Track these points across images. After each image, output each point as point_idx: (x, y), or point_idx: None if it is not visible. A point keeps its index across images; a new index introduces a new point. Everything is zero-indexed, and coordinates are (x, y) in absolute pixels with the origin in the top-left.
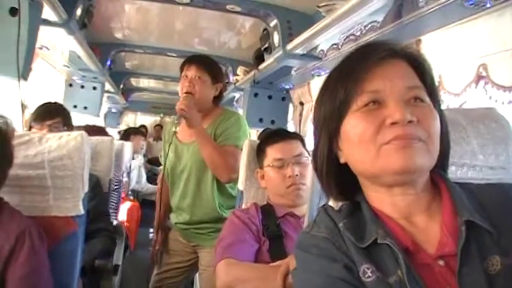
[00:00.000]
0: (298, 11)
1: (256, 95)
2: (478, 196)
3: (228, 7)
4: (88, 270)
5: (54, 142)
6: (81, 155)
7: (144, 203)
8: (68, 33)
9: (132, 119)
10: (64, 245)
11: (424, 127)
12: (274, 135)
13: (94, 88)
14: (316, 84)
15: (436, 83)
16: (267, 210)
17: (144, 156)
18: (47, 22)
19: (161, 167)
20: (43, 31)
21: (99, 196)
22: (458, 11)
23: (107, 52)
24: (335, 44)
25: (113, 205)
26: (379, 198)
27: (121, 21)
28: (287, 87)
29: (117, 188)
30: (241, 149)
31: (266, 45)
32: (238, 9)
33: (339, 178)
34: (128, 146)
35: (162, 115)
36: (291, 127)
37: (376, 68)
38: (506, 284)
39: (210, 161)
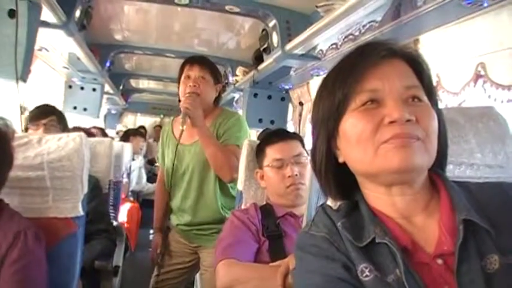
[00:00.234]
0: (297, 11)
1: (255, 95)
2: (477, 195)
3: (227, 8)
4: (88, 271)
5: (53, 143)
6: (80, 156)
7: (145, 203)
8: (67, 35)
9: (132, 120)
10: (63, 246)
11: (422, 126)
12: (274, 135)
13: (94, 89)
14: (316, 84)
15: (435, 82)
16: (266, 210)
17: (145, 157)
18: (45, 24)
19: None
20: (42, 33)
21: (99, 197)
22: (456, 10)
23: (106, 53)
24: (334, 43)
25: (112, 206)
26: (378, 198)
27: (120, 23)
28: (286, 87)
29: (117, 189)
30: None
31: (265, 46)
32: (237, 9)
33: (337, 177)
34: (127, 147)
35: (161, 116)
36: (290, 127)
37: (374, 68)
38: (504, 282)
39: (213, 160)
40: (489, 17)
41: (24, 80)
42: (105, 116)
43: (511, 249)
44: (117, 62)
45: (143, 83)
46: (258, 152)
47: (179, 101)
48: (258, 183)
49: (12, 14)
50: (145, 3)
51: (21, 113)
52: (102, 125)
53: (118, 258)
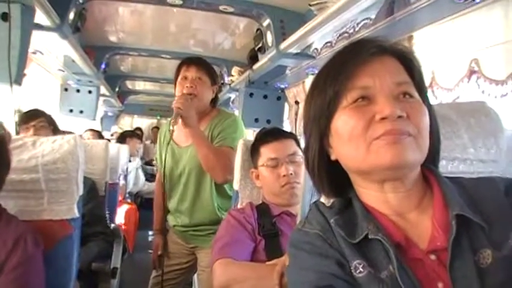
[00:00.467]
0: (290, 10)
1: (251, 95)
2: (469, 190)
3: (221, 8)
4: (85, 273)
5: (47, 146)
6: (74, 158)
7: (146, 204)
8: (61, 38)
9: (129, 122)
10: (60, 248)
11: (413, 122)
12: (268, 134)
13: (89, 92)
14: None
15: (429, 79)
16: (262, 209)
17: (142, 158)
18: (39, 27)
19: (155, 167)
20: (36, 36)
21: (95, 199)
22: (449, 7)
23: (101, 55)
24: (328, 42)
25: (109, 208)
26: (370, 195)
27: (115, 24)
28: (282, 86)
29: (114, 191)
30: None
31: (260, 45)
32: (231, 9)
33: (330, 175)
34: (123, 149)
35: (158, 117)
36: (287, 126)
37: (365, 65)
38: (497, 277)
39: (205, 161)
40: (482, 12)
41: (19, 84)
42: (102, 118)
43: (504, 243)
44: (113, 63)
45: (139, 85)
46: (253, 151)
47: None
48: (254, 182)
49: (5, 17)
50: (140, 4)
51: (19, 116)
52: (98, 128)
53: (116, 260)
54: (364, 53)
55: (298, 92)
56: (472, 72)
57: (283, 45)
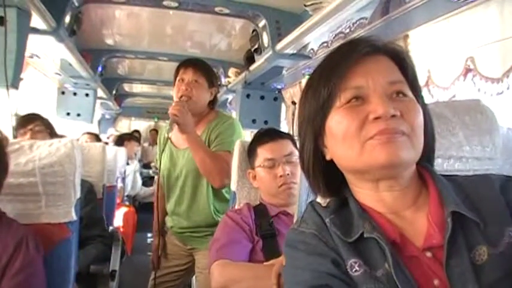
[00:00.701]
0: (286, 11)
1: (248, 96)
2: (465, 187)
3: (217, 9)
4: (83, 276)
5: (44, 149)
6: (72, 161)
7: (142, 207)
8: (58, 41)
9: (126, 125)
10: (58, 251)
11: (407, 121)
12: (265, 135)
13: (86, 95)
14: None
15: (425, 78)
16: (259, 210)
17: (140, 161)
18: (35, 30)
19: (151, 170)
20: (33, 39)
21: (93, 202)
22: (444, 5)
23: (98, 58)
24: (325, 42)
25: (107, 211)
26: (366, 194)
27: (111, 27)
28: (279, 87)
29: (112, 194)
30: None
31: (256, 46)
32: (226, 11)
33: (325, 175)
34: (121, 152)
35: (156, 119)
36: (284, 127)
37: (358, 65)
38: (493, 273)
39: (202, 166)
40: (477, 10)
41: (16, 88)
42: (99, 121)
43: (500, 240)
44: (110, 66)
45: (136, 87)
46: (250, 152)
47: None
48: (251, 183)
49: (1, 21)
50: (136, 7)
51: (16, 120)
52: (96, 131)
53: (114, 263)
54: (357, 53)
55: (295, 92)
56: (467, 70)
57: (279, 46)
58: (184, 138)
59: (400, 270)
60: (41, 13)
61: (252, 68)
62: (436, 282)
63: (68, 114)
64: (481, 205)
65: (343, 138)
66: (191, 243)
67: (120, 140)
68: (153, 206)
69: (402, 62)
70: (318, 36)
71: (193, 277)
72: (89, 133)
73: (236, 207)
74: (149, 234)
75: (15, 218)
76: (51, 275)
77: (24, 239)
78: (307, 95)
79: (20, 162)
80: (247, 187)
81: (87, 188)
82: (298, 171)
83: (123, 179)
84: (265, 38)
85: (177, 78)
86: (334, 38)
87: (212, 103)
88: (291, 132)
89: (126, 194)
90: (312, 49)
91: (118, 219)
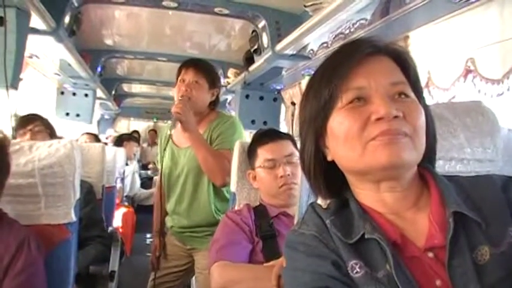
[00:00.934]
0: (286, 11)
1: (247, 96)
2: (466, 188)
3: (216, 10)
4: (83, 276)
5: (44, 150)
6: (71, 162)
7: (140, 209)
8: (57, 41)
9: (126, 125)
10: (57, 252)
11: (409, 122)
12: (265, 136)
13: (86, 95)
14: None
15: (425, 79)
16: (259, 211)
17: (139, 161)
18: (35, 31)
19: (150, 171)
20: (32, 40)
21: (92, 203)
22: (444, 6)
23: (97, 59)
24: (324, 43)
25: (106, 211)
26: (367, 195)
27: (110, 28)
28: (278, 87)
29: (111, 195)
30: None
31: (255, 47)
32: (226, 11)
33: (326, 176)
34: (120, 152)
35: (155, 120)
36: (283, 127)
37: (360, 65)
38: (495, 273)
39: (204, 164)
40: (478, 11)
41: (15, 88)
42: (98, 122)
43: (502, 240)
44: (109, 67)
45: (136, 88)
46: (250, 153)
47: None
48: (251, 184)
49: (0, 21)
50: (135, 7)
51: (16, 120)
52: (95, 131)
53: (114, 264)
54: (359, 54)
55: (295, 93)
56: (468, 71)
57: (278, 47)
58: (186, 136)
59: (401, 271)
60: (40, 13)
61: (251, 68)
62: (438, 282)
63: (67, 114)
64: (483, 205)
65: (345, 139)
66: (191, 243)
67: (119, 141)
68: (151, 207)
69: (404, 63)
70: (317, 37)
71: (193, 278)
72: (88, 133)
73: (236, 208)
74: (148, 235)
75: (15, 219)
76: (51, 275)
77: (26, 239)
78: (308, 96)
79: (20, 163)
80: (247, 188)
81: (87, 189)
82: (299, 171)
83: (122, 180)
84: (265, 39)
85: (179, 79)
86: (334, 38)
87: (214, 104)
88: (291, 133)
89: (125, 194)
90: (312, 50)
91: (117, 219)
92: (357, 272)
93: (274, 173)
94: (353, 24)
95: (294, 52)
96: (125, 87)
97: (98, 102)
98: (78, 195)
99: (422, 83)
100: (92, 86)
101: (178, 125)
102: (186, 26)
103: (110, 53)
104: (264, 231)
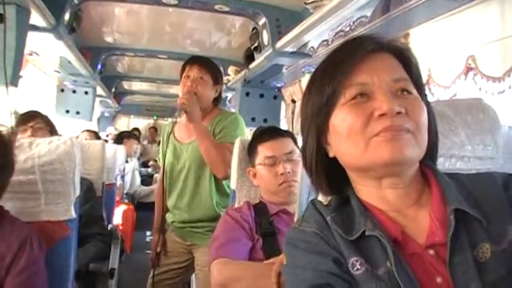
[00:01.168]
0: (286, 8)
1: (247, 94)
2: (467, 185)
3: (217, 7)
4: (83, 274)
5: (44, 147)
6: (71, 158)
7: (139, 206)
8: (57, 38)
9: (126, 123)
10: (57, 249)
11: (412, 118)
12: (265, 133)
13: (86, 93)
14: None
15: (426, 76)
16: (259, 208)
17: (139, 159)
18: (35, 28)
19: (151, 169)
20: (32, 37)
21: (92, 200)
22: (444, 4)
23: (97, 56)
24: (325, 40)
25: (106, 209)
26: (369, 192)
27: (111, 25)
28: (278, 85)
29: (111, 192)
30: None
31: (256, 44)
32: (226, 9)
33: (328, 173)
34: (120, 150)
35: (155, 117)
36: (283, 125)
37: (362, 62)
38: (496, 271)
39: (207, 156)
40: (478, 9)
41: (15, 85)
42: (99, 119)
43: (503, 237)
44: (109, 64)
45: (136, 85)
46: (250, 150)
47: None
48: (251, 181)
49: (0, 18)
50: (135, 5)
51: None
52: (95, 128)
53: (114, 261)
54: (362, 50)
55: (295, 90)
56: (468, 69)
57: (279, 44)
58: (188, 131)
59: (401, 268)
60: (40, 10)
61: (251, 66)
62: (438, 280)
63: (67, 112)
64: (484, 202)
65: (348, 135)
66: (191, 239)
67: (119, 138)
68: (151, 204)
69: (406, 60)
70: (318, 35)
71: (193, 275)
72: (88, 131)
73: (236, 205)
74: (148, 233)
75: (15, 215)
76: (51, 272)
77: (28, 237)
78: (310, 92)
79: (20, 160)
80: (247, 185)
81: (87, 186)
82: (299, 169)
83: (123, 177)
84: (265, 36)
85: (183, 75)
86: (334, 36)
87: (216, 100)
88: (291, 131)
89: (125, 191)
90: (312, 47)
91: (117, 217)
92: (357, 269)
93: (274, 170)
94: (353, 22)
95: (295, 49)
96: (125, 84)
97: (98, 99)
98: (78, 192)
99: (423, 80)
100: (92, 83)
101: (181, 122)
102: (186, 23)
103: (110, 50)
104: (264, 229)
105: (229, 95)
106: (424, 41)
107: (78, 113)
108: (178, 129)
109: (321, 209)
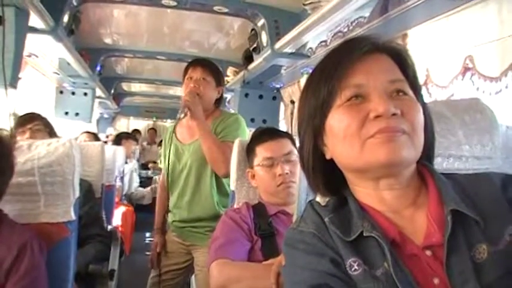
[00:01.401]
0: (285, 10)
1: (246, 95)
2: (464, 186)
3: (215, 8)
4: (82, 275)
5: (43, 149)
6: (70, 160)
7: (138, 207)
8: (56, 40)
9: (125, 124)
10: (57, 251)
11: (407, 119)
12: (263, 134)
13: (85, 94)
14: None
15: (424, 76)
16: (258, 209)
17: (138, 160)
18: (34, 30)
19: (151, 171)
20: (31, 39)
21: (92, 202)
22: (443, 4)
23: (96, 57)
24: (323, 41)
25: (106, 210)
26: (366, 193)
27: (109, 26)
28: (277, 86)
29: (110, 193)
30: None
31: (255, 45)
32: (225, 10)
33: (325, 174)
34: (120, 151)
35: (154, 119)
36: (282, 126)
37: (358, 63)
38: (493, 272)
39: (209, 153)
40: (476, 9)
41: (14, 87)
42: (98, 121)
43: (500, 238)
44: (108, 65)
45: (135, 86)
46: (249, 151)
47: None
48: (250, 182)
49: None
50: (134, 6)
51: (14, 120)
52: (94, 130)
53: (113, 262)
54: (358, 51)
55: (294, 91)
56: (466, 69)
57: (278, 45)
58: (190, 132)
59: (399, 269)
60: (39, 12)
61: (250, 67)
62: (436, 281)
63: (67, 113)
64: (481, 203)
65: (344, 137)
66: (191, 238)
67: (118, 139)
68: (148, 206)
69: (402, 61)
70: (316, 35)
71: (193, 276)
72: (87, 132)
73: (235, 206)
74: (147, 234)
75: (14, 218)
76: (51, 274)
77: (29, 241)
78: (307, 93)
79: (19, 162)
80: (246, 186)
81: (86, 187)
82: (297, 170)
83: (122, 178)
84: (264, 37)
85: (186, 77)
86: (332, 37)
87: (218, 101)
88: (290, 131)
89: (124, 193)
90: (311, 48)
91: (117, 218)
92: (355, 270)
93: (273, 171)
94: (352, 23)
95: (293, 50)
96: (124, 86)
97: (97, 101)
98: (77, 194)
99: (421, 80)
100: (91, 85)
101: (183, 123)
102: (185, 24)
103: (109, 51)
104: (263, 230)
105: (228, 96)
106: (422, 41)
107: (77, 114)
108: (180, 130)
109: (319, 210)
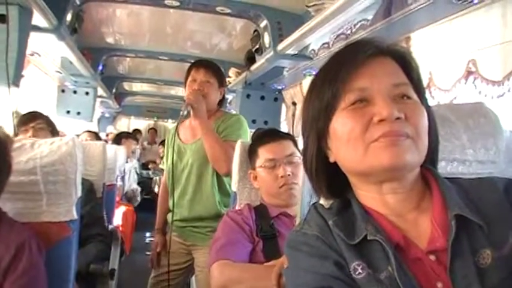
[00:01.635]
0: (288, 11)
1: (248, 96)
2: (468, 190)
3: (218, 9)
4: (83, 275)
5: (45, 148)
6: (73, 159)
7: (139, 206)
8: (59, 39)
9: (126, 123)
10: (58, 250)
11: (411, 123)
12: (266, 135)
13: (86, 93)
14: (308, 84)
15: (427, 80)
16: (260, 211)
17: (138, 160)
18: (37, 28)
19: (151, 172)
20: (34, 37)
21: (93, 201)
22: (446, 8)
23: (98, 57)
24: (326, 43)
25: (107, 210)
26: (369, 197)
27: (112, 26)
28: (279, 87)
29: (111, 193)
30: None
31: (257, 46)
32: (228, 11)
33: (329, 177)
34: (121, 150)
35: (155, 118)
36: (284, 127)
37: (362, 66)
38: (496, 276)
39: (211, 152)
40: (480, 13)
41: (17, 85)
42: (99, 120)
43: (504, 243)
44: (110, 65)
45: (136, 86)
46: (251, 153)
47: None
48: (252, 184)
49: (2, 19)
50: (137, 6)
51: (16, 118)
52: (96, 129)
53: (114, 262)
54: (362, 55)
55: (296, 93)
56: (469, 73)
57: (280, 47)
58: (192, 132)
59: (403, 273)
60: (42, 11)
61: (252, 68)
62: (439, 285)
63: (68, 112)
64: (485, 208)
65: (347, 140)
66: (191, 238)
67: (118, 139)
68: (151, 204)
69: (407, 64)
70: (319, 37)
71: (193, 276)
72: (89, 131)
73: (237, 207)
74: (147, 234)
75: (16, 216)
76: (52, 274)
77: (27, 240)
78: (311, 96)
79: (21, 161)
80: (248, 188)
81: (88, 187)
82: (300, 171)
83: (123, 178)
84: (267, 39)
85: (189, 79)
86: (335, 39)
87: (220, 102)
88: (291, 133)
89: (124, 192)
90: (313, 50)
91: (117, 218)
92: (359, 273)
93: (275, 173)
94: (354, 25)
95: (296, 52)
96: (126, 85)
97: (98, 100)
98: (79, 193)
99: (424, 84)
100: (93, 84)
101: (186, 124)
102: (187, 24)
103: (111, 51)
104: (265, 231)
105: (230, 97)
106: (425, 45)
107: (78, 113)
108: (183, 130)
109: (322, 213)
